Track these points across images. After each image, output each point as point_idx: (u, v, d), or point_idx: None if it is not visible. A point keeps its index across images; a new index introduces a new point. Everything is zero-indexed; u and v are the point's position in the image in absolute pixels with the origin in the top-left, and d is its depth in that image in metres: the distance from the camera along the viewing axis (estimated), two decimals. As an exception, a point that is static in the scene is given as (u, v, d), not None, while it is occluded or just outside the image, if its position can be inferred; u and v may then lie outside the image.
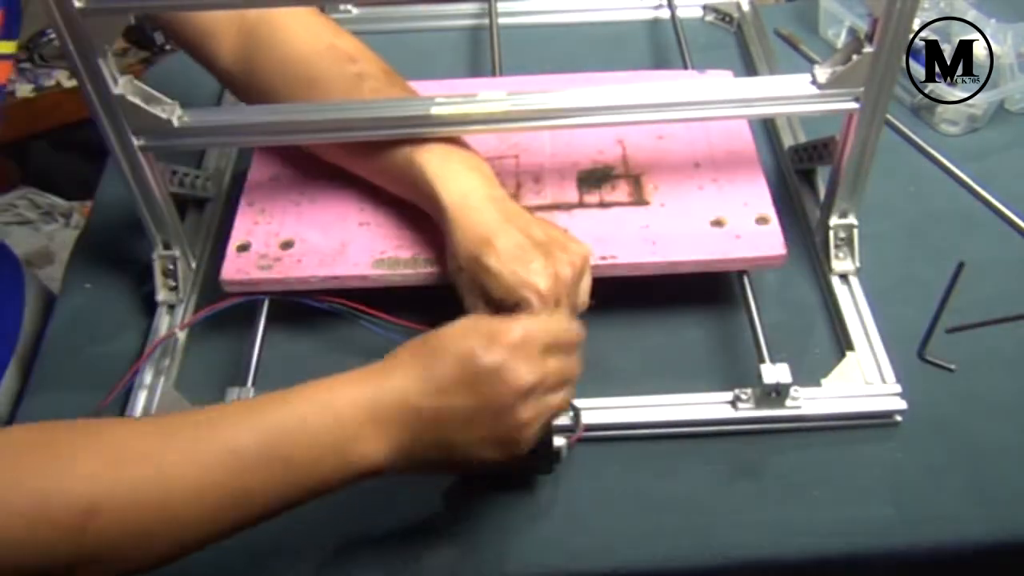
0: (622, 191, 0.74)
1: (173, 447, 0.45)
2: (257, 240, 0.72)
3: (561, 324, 0.55)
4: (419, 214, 0.72)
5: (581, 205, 0.73)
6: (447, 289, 0.68)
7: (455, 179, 0.65)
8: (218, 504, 0.45)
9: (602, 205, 0.73)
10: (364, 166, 0.72)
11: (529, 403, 0.51)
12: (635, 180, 0.75)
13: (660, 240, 0.70)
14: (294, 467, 0.47)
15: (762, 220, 0.71)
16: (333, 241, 0.71)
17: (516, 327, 0.51)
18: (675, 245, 0.70)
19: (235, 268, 0.70)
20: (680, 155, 0.77)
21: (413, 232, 0.72)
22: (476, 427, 0.50)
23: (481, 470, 0.54)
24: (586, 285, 0.65)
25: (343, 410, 0.48)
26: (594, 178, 0.75)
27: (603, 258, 0.68)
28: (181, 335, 0.72)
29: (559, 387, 0.53)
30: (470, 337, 0.50)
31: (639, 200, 0.73)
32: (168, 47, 1.92)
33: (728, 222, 0.71)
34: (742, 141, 0.78)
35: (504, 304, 0.61)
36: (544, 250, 0.61)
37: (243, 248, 0.71)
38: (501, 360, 0.50)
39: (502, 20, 0.99)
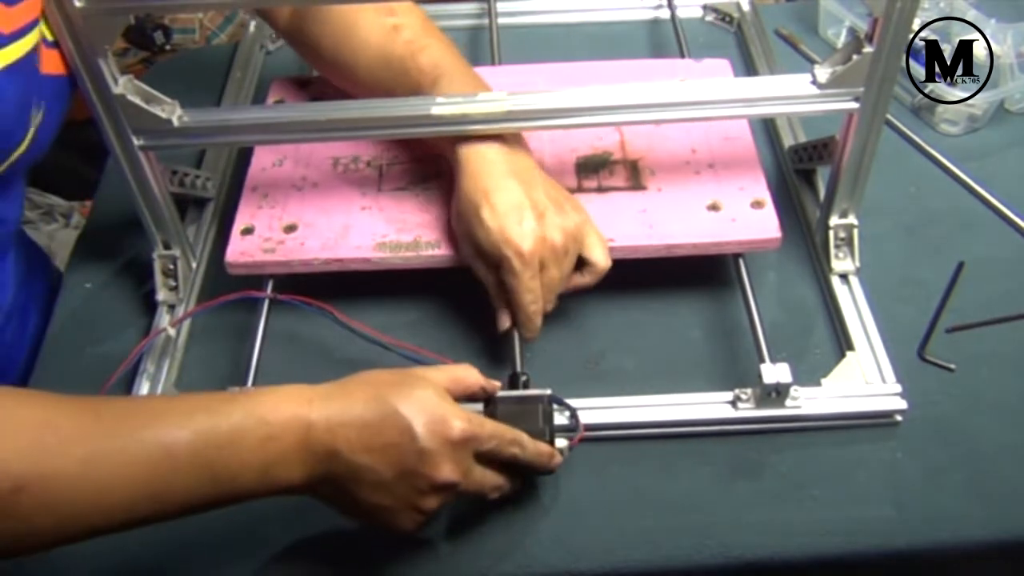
0: (620, 176, 0.75)
1: (109, 434, 0.46)
2: (261, 224, 0.73)
3: (508, 434, 0.55)
4: (420, 198, 0.74)
5: (580, 190, 0.74)
6: (448, 275, 0.69)
7: None
8: (138, 497, 0.46)
9: (600, 190, 0.74)
10: None
11: (436, 497, 0.53)
12: (632, 165, 0.76)
13: (657, 224, 0.71)
14: (219, 475, 0.48)
15: (757, 204, 0.72)
16: (335, 224, 0.72)
17: (459, 424, 0.52)
18: (672, 228, 0.70)
19: (239, 251, 0.71)
20: (677, 141, 0.78)
21: (415, 215, 0.73)
22: (381, 494, 0.52)
23: (370, 524, 0.55)
24: (598, 247, 0.67)
25: (276, 430, 0.49)
26: (592, 164, 0.76)
27: None
28: (179, 332, 0.72)
29: (469, 493, 0.55)
30: (417, 415, 0.51)
31: (636, 185, 0.74)
32: (168, 47, 1.92)
33: (724, 206, 0.72)
34: (738, 127, 0.79)
35: (490, 259, 0.64)
36: (539, 212, 0.64)
37: (247, 231, 0.72)
38: (433, 448, 0.51)
39: (502, 20, 0.99)
